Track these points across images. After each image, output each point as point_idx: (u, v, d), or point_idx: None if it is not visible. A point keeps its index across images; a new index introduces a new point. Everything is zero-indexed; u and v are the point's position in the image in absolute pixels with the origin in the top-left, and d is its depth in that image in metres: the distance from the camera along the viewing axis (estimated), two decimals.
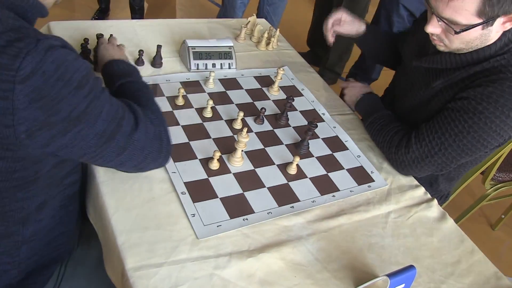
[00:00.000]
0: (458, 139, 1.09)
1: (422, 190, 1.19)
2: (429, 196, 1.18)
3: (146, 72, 1.29)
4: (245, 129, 1.05)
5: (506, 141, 1.10)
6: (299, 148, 1.16)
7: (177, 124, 1.15)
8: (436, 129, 1.12)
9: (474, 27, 1.00)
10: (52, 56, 0.66)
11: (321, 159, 1.17)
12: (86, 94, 0.71)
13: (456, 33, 1.02)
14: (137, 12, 2.80)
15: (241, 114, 1.17)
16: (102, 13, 2.89)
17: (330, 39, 1.44)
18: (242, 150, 1.08)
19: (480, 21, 0.99)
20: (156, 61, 1.31)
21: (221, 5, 2.63)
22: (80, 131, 0.72)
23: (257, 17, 1.63)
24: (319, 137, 1.24)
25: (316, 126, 1.15)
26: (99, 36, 1.23)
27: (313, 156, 1.17)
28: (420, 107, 1.21)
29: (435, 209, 1.15)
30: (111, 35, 1.25)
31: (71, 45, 0.74)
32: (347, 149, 1.24)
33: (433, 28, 1.06)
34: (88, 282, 1.00)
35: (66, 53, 0.69)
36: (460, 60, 1.11)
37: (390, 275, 0.84)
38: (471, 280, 1.00)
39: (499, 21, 1.01)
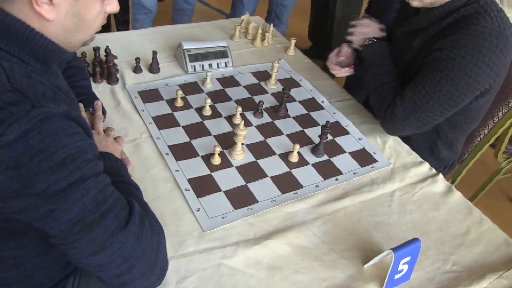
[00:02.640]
0: (437, 89, 1.11)
1: (426, 166, 1.19)
2: (434, 171, 1.18)
3: (144, 79, 1.32)
4: (242, 122, 1.07)
5: (487, 90, 1.13)
6: (315, 152, 1.15)
7: (178, 125, 1.17)
8: (416, 84, 1.15)
9: None
10: (41, 127, 0.63)
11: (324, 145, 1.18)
12: (69, 174, 0.64)
13: None
14: (122, 24, 2.85)
15: (239, 109, 1.19)
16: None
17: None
18: (242, 144, 1.10)
19: None
20: (153, 67, 1.34)
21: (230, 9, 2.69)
22: (53, 210, 0.64)
23: (267, 17, 1.65)
24: (318, 124, 1.26)
25: (330, 128, 1.13)
26: (96, 49, 1.27)
27: (314, 143, 1.19)
28: (407, 71, 1.23)
29: (440, 183, 1.15)
30: (108, 127, 1.10)
31: (78, 115, 0.70)
32: (348, 133, 1.25)
33: None
34: None
35: (60, 126, 0.65)
36: (434, 16, 1.16)
37: (395, 249, 0.84)
38: (481, 249, 1.00)
39: None
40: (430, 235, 1.01)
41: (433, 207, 1.08)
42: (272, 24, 1.61)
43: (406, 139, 1.25)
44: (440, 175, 1.16)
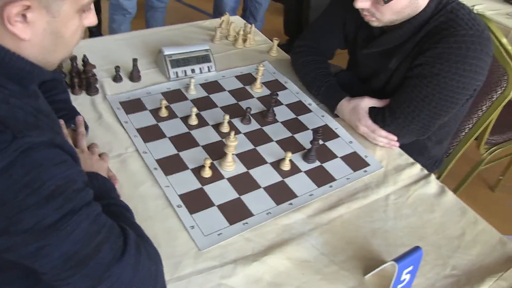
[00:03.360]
0: (426, 103, 1.11)
1: (418, 167, 1.19)
2: (425, 172, 1.17)
3: (125, 88, 1.27)
4: (233, 133, 1.03)
5: (476, 91, 1.14)
6: (306, 159, 1.13)
7: (164, 136, 1.13)
8: (404, 99, 1.15)
9: None
10: (24, 159, 0.58)
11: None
12: (58, 207, 0.61)
13: (385, 2, 1.05)
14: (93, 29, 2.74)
15: (227, 117, 1.16)
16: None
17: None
18: (232, 154, 1.07)
19: None
20: (134, 75, 1.29)
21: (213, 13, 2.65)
22: (43, 247, 0.60)
23: (243, 14, 1.61)
24: (308, 129, 1.23)
25: (322, 135, 1.11)
26: (73, 58, 1.21)
27: (305, 149, 1.16)
28: (385, 89, 1.23)
29: (433, 184, 1.14)
30: (91, 143, 1.04)
31: (63, 141, 0.66)
32: (338, 136, 1.23)
33: (362, 2, 1.09)
34: None
35: (46, 155, 0.61)
36: (404, 33, 1.15)
37: (397, 260, 0.83)
38: (478, 250, 1.00)
39: None
40: (428, 239, 1.00)
41: (428, 209, 1.08)
42: (253, 25, 1.57)
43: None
44: (432, 176, 1.16)
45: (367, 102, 1.22)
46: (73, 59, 1.21)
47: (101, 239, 0.64)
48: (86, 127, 1.05)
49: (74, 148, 0.73)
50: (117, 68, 1.27)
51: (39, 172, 0.60)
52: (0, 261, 0.68)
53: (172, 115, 1.20)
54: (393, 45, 1.19)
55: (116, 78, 1.28)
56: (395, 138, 1.19)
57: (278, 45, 1.55)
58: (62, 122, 0.98)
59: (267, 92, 1.35)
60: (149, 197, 0.98)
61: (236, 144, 1.04)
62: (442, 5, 1.11)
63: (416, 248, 0.86)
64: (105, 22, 2.52)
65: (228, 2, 2.51)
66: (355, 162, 1.16)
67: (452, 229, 1.04)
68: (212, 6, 2.71)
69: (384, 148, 1.22)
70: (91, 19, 0.71)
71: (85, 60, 1.22)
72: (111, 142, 1.09)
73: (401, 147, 1.24)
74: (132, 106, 1.21)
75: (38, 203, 0.59)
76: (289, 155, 1.08)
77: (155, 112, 1.20)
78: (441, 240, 1.01)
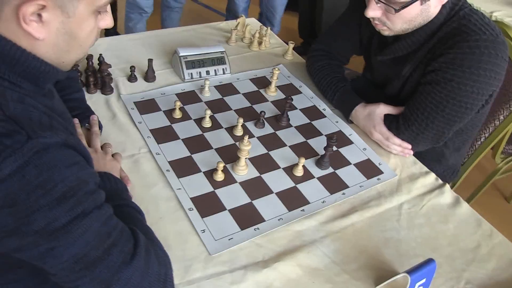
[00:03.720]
0: (440, 109, 1.10)
1: (433, 176, 1.17)
2: (440, 181, 1.16)
3: (140, 88, 1.27)
4: (246, 137, 1.03)
5: (492, 96, 1.12)
6: (319, 165, 1.11)
7: (177, 138, 1.13)
8: (417, 107, 1.13)
9: (413, 2, 1.02)
10: (38, 160, 0.58)
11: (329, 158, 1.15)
12: (69, 209, 0.61)
13: (396, 11, 1.04)
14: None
15: (241, 120, 1.15)
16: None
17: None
18: (245, 158, 1.06)
19: None
20: (149, 75, 1.29)
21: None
22: (53, 248, 0.60)
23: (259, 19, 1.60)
24: (322, 134, 1.22)
25: (336, 141, 1.09)
26: (89, 57, 1.21)
27: (318, 155, 1.15)
28: (399, 96, 1.22)
29: (448, 194, 1.12)
30: (105, 143, 1.03)
31: (77, 142, 0.66)
32: (352, 143, 1.22)
33: (373, 11, 1.08)
34: None
35: (59, 157, 0.61)
36: (417, 40, 1.14)
37: (410, 272, 0.82)
38: (494, 265, 0.97)
39: None
40: (441, 251, 0.98)
41: (442, 220, 1.06)
42: (269, 28, 1.56)
43: (414, 154, 1.22)
44: (447, 186, 1.14)
45: (383, 109, 1.21)
46: (89, 58, 1.21)
47: (111, 242, 0.64)
48: (100, 127, 1.05)
49: (87, 149, 0.73)
50: (132, 68, 1.27)
51: (52, 173, 0.60)
52: (9, 260, 0.68)
53: (186, 116, 1.20)
54: (406, 52, 1.18)
55: (131, 78, 1.28)
56: (409, 146, 1.17)
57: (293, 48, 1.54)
58: (76, 121, 0.98)
59: (281, 95, 1.34)
60: (161, 199, 0.98)
61: (249, 148, 1.03)
62: (454, 12, 1.09)
63: (430, 261, 0.85)
64: (121, 21, 2.54)
65: (239, 3, 2.51)
66: (369, 169, 1.14)
67: (466, 241, 1.02)
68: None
69: (398, 156, 1.21)
70: (107, 21, 0.71)
71: (100, 59, 1.23)
72: (124, 142, 1.09)
73: (418, 154, 1.22)
74: (146, 106, 1.21)
75: (49, 205, 0.59)
76: (302, 160, 1.07)
77: (169, 113, 1.19)
78: (455, 252, 0.99)
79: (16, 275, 0.73)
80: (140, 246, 0.68)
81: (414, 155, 1.22)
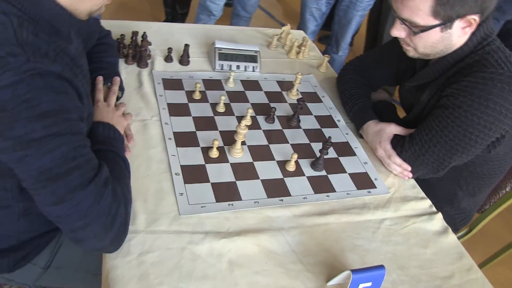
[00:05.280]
0: (444, 134, 1.09)
1: (427, 202, 1.15)
2: (433, 209, 1.14)
3: (173, 68, 1.39)
4: (244, 122, 1.09)
5: (504, 136, 1.09)
6: (314, 166, 1.15)
7: (189, 115, 1.22)
8: (424, 127, 1.14)
9: (432, 28, 1.04)
10: (30, 80, 0.69)
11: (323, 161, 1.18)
12: (46, 126, 0.70)
13: (415, 33, 1.07)
14: (178, 17, 3.00)
15: (250, 111, 1.21)
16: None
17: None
18: (242, 143, 1.13)
19: (436, 22, 1.03)
20: (184, 59, 1.41)
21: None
22: (26, 156, 0.71)
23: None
24: None
25: (331, 144, 1.13)
26: (134, 33, 1.35)
27: (315, 157, 1.18)
28: (416, 124, 1.21)
29: (437, 222, 1.10)
30: (120, 102, 1.15)
31: (73, 78, 0.76)
32: (355, 155, 1.24)
33: (397, 31, 1.11)
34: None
35: (50, 83, 0.71)
36: (440, 68, 1.15)
37: (354, 271, 0.83)
38: None
39: (458, 25, 1.05)
40: (408, 270, 0.97)
41: (421, 243, 1.04)
42: (309, 39, 1.63)
43: (425, 188, 1.21)
44: (439, 215, 1.12)
45: (393, 129, 1.22)
46: (134, 33, 1.36)
47: (74, 165, 0.74)
48: (122, 89, 1.18)
49: (84, 89, 0.84)
50: (169, 49, 1.39)
51: (39, 94, 0.71)
52: (0, 167, 0.80)
53: (204, 99, 1.29)
54: (430, 79, 1.19)
55: (167, 58, 1.40)
56: (409, 168, 1.17)
57: None
58: (100, 78, 1.11)
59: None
60: (154, 160, 1.07)
61: (245, 132, 1.09)
62: (482, 46, 1.09)
63: (379, 266, 0.85)
64: (191, 17, 2.73)
65: (309, 26, 2.59)
66: (363, 181, 1.16)
67: (440, 269, 1.00)
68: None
69: (398, 177, 1.20)
70: None
71: (144, 37, 1.36)
72: (141, 108, 1.21)
73: (429, 191, 1.20)
74: (172, 84, 1.32)
75: (30, 118, 0.70)
76: (295, 156, 1.12)
77: (189, 93, 1.30)
78: (423, 276, 0.97)
79: (6, 183, 0.86)
80: (99, 177, 0.77)
81: (425, 190, 1.20)
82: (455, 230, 1.11)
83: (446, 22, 1.03)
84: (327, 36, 2.99)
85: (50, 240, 1.05)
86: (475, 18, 1.02)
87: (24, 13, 0.76)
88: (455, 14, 1.01)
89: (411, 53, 1.16)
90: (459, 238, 1.10)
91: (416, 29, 1.07)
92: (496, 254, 1.82)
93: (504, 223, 1.84)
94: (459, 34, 1.07)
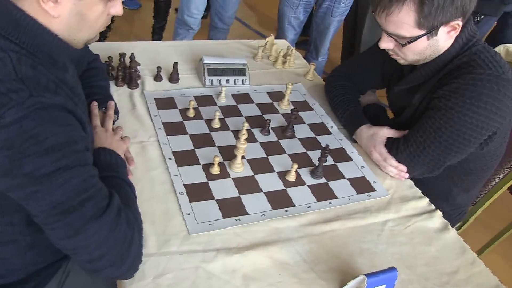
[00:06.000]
0: (438, 135, 1.12)
1: (425, 201, 1.18)
2: (432, 207, 1.17)
3: (163, 87, 1.40)
4: (243, 136, 1.11)
5: (495, 133, 1.13)
6: (313, 174, 1.17)
7: (186, 133, 1.23)
8: (418, 129, 1.17)
9: (418, 38, 1.08)
10: (36, 115, 0.69)
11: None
12: (55, 160, 0.71)
13: (403, 45, 1.10)
14: (156, 31, 3.03)
15: (246, 124, 1.23)
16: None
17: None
18: (243, 157, 1.14)
19: (422, 32, 1.07)
20: (173, 77, 1.42)
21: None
22: (36, 192, 0.71)
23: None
24: None
25: (329, 152, 1.16)
26: (122, 55, 1.35)
27: (315, 165, 1.21)
28: (410, 125, 1.25)
29: (437, 220, 1.13)
30: (117, 126, 1.15)
31: (76, 109, 0.76)
32: (351, 160, 1.26)
33: (385, 43, 1.15)
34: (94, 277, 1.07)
35: (55, 116, 0.72)
36: (429, 70, 1.18)
37: (368, 275, 0.85)
38: None
39: (443, 30, 1.08)
40: (416, 269, 1.00)
41: (425, 242, 1.07)
42: (294, 49, 1.65)
43: (420, 186, 1.24)
44: (438, 212, 1.15)
45: (386, 132, 1.25)
46: (122, 55, 1.36)
47: (87, 196, 0.74)
48: (117, 112, 1.17)
49: (86, 119, 0.84)
50: (158, 69, 1.40)
51: (46, 128, 0.71)
52: (7, 203, 0.79)
53: (198, 116, 1.30)
54: (419, 82, 1.23)
55: (157, 77, 1.41)
56: (405, 169, 1.20)
57: None
58: (95, 103, 1.11)
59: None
60: (157, 181, 1.07)
61: (245, 147, 1.11)
62: (467, 47, 1.13)
63: (391, 269, 0.87)
64: (169, 32, 2.73)
65: (288, 35, 2.62)
66: (362, 186, 1.18)
67: (445, 265, 1.03)
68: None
69: (395, 178, 1.23)
70: (117, 9, 0.83)
71: (132, 57, 1.36)
72: (137, 130, 1.21)
73: (425, 189, 1.23)
74: (165, 103, 1.32)
75: (38, 153, 0.70)
76: (295, 166, 1.13)
77: (183, 111, 1.30)
78: (431, 273, 1.00)
79: (12, 218, 0.85)
80: (112, 205, 0.77)
81: (420, 188, 1.23)
82: (452, 226, 1.14)
83: (431, 31, 1.06)
84: (304, 42, 3.03)
85: (57, 270, 1.03)
86: (458, 23, 1.07)
87: (22, 47, 0.76)
88: (438, 23, 1.05)
89: (401, 61, 1.19)
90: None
91: (403, 41, 1.10)
92: (488, 243, 1.88)
93: (493, 213, 1.89)
94: (445, 38, 1.11)
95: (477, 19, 2.54)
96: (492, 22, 2.82)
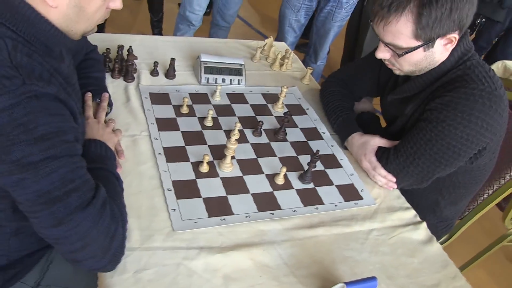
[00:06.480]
0: (428, 147, 1.13)
1: (412, 212, 1.19)
2: (418, 219, 1.18)
3: (159, 82, 1.40)
4: (234, 136, 1.11)
5: (486, 149, 1.14)
6: (302, 179, 1.17)
7: (177, 129, 1.23)
8: (409, 141, 1.17)
9: (415, 49, 1.08)
10: (27, 103, 0.69)
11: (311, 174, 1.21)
12: (44, 149, 0.71)
13: (399, 56, 1.11)
14: (154, 24, 3.02)
15: (238, 125, 1.22)
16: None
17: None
18: (232, 157, 1.14)
19: (419, 43, 1.07)
20: (169, 73, 1.42)
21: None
22: (23, 179, 0.71)
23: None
24: None
25: (319, 157, 1.16)
26: (120, 47, 1.35)
27: (304, 170, 1.21)
28: (402, 134, 1.25)
29: (422, 232, 1.14)
30: (110, 118, 1.15)
31: (67, 99, 0.76)
32: (341, 167, 1.27)
33: (381, 53, 1.15)
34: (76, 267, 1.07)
35: (46, 105, 0.71)
36: (423, 82, 1.19)
37: (348, 283, 0.85)
38: None
39: (440, 43, 1.09)
40: (397, 280, 1.00)
41: (408, 253, 1.08)
42: (292, 51, 1.66)
43: (408, 197, 1.25)
44: (424, 224, 1.16)
45: (378, 141, 1.26)
46: (120, 47, 1.36)
47: (73, 187, 0.74)
48: (110, 105, 1.18)
49: (78, 109, 0.84)
50: (155, 63, 1.40)
51: (36, 117, 0.71)
52: None
53: (191, 113, 1.30)
54: (413, 93, 1.24)
55: (153, 72, 1.41)
56: (394, 179, 1.21)
57: None
58: (89, 94, 1.11)
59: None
60: (146, 176, 1.07)
61: (235, 147, 1.11)
62: (462, 61, 1.14)
63: (372, 278, 0.88)
64: (167, 23, 2.70)
65: (288, 37, 2.63)
66: (349, 193, 1.19)
67: (426, 278, 1.03)
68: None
69: (384, 188, 1.24)
70: (116, 3, 0.83)
71: (129, 51, 1.36)
72: (130, 123, 1.21)
73: (412, 201, 1.24)
74: (159, 98, 1.32)
75: (27, 141, 0.70)
76: (284, 170, 1.14)
77: (177, 107, 1.31)
78: (411, 285, 1.01)
79: (0, 204, 0.84)
80: (98, 198, 0.77)
81: (408, 199, 1.23)
82: (437, 238, 1.15)
83: (428, 42, 1.07)
84: (304, 44, 3.03)
85: (40, 258, 1.04)
86: (455, 36, 1.07)
87: (19, 35, 0.76)
88: (435, 35, 1.06)
89: (397, 71, 1.20)
90: (440, 244, 1.14)
91: (400, 51, 1.10)
92: (473, 258, 1.90)
93: (480, 228, 1.90)
94: (441, 51, 1.12)
95: (478, 21, 2.56)
96: (498, 28, 2.84)
